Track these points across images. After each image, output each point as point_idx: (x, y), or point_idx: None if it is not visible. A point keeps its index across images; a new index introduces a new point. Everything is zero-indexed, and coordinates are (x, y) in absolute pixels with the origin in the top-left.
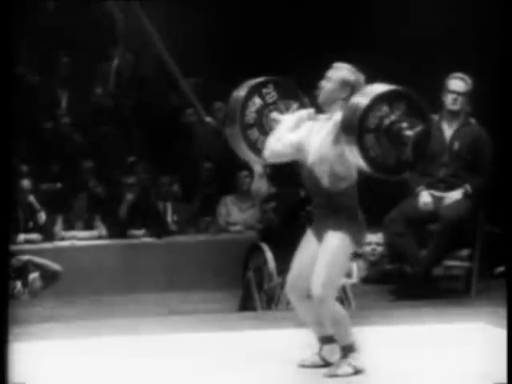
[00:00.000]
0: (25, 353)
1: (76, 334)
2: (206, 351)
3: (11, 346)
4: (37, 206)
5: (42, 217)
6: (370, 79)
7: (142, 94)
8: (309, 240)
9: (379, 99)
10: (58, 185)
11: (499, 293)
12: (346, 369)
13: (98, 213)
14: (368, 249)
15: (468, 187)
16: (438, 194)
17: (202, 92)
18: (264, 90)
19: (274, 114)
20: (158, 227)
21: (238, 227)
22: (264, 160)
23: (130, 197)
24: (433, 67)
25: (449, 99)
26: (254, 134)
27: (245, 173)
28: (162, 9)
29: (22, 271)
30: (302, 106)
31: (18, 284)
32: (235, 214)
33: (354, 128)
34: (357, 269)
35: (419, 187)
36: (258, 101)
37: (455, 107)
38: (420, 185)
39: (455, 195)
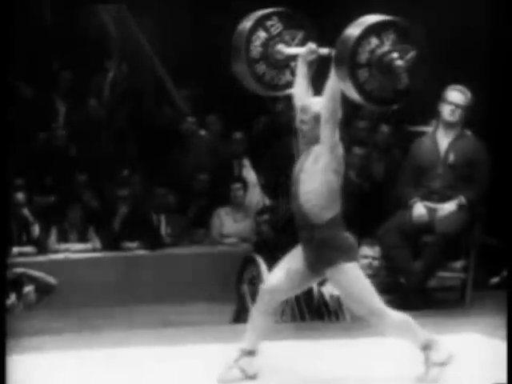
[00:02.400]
0: (19, 365)
1: (70, 347)
2: (199, 363)
3: (6, 358)
4: (31, 218)
5: (36, 230)
6: None
7: (136, 106)
8: (297, 256)
9: (367, 31)
10: (52, 197)
11: (494, 303)
12: (433, 371)
13: (92, 225)
14: (365, 262)
15: (462, 199)
16: (432, 205)
17: (195, 104)
18: (268, 23)
19: (280, 46)
20: (152, 239)
21: (232, 239)
22: (272, 93)
23: (123, 209)
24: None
25: (446, 110)
26: (261, 67)
27: (238, 185)
28: (155, 20)
29: (17, 284)
30: (308, 34)
31: (13, 297)
32: (229, 225)
33: (346, 63)
34: None
35: (413, 199)
36: (262, 34)
37: (452, 119)
38: (414, 196)
39: (450, 207)
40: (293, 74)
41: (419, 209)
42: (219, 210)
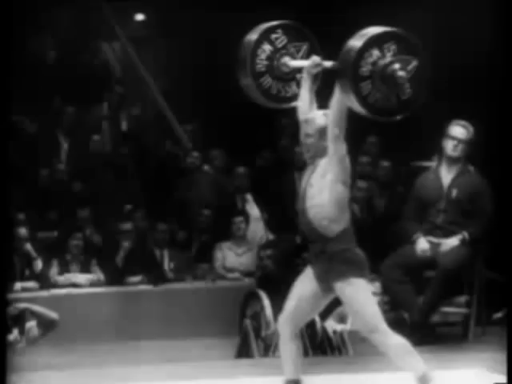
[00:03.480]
0: None
1: (73, 383)
2: None
3: None
4: (33, 253)
5: (39, 265)
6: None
7: (139, 141)
8: (308, 277)
9: (369, 43)
10: (55, 233)
11: (497, 339)
12: None
13: (95, 259)
14: None
15: (465, 234)
16: (435, 240)
17: (198, 139)
18: (273, 36)
19: (285, 59)
20: (155, 274)
21: (235, 274)
22: (279, 105)
23: (126, 244)
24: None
25: (449, 145)
26: (267, 80)
27: (240, 218)
28: (158, 56)
29: (19, 319)
30: (312, 47)
31: (15, 332)
32: (231, 258)
33: (349, 76)
34: None
35: (417, 234)
36: (267, 47)
37: (455, 154)
38: (417, 231)
39: (453, 242)
40: (299, 86)
41: (422, 244)
42: (221, 244)
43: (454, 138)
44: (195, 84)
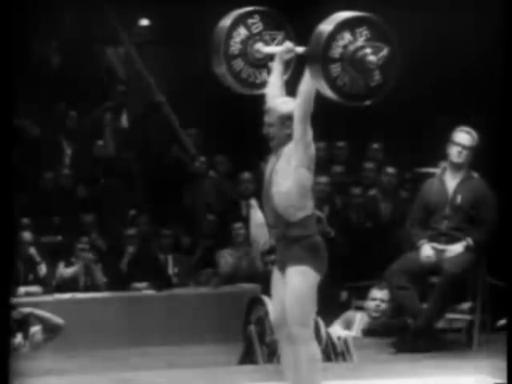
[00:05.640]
0: None
1: None
2: None
3: None
4: (37, 258)
5: (43, 269)
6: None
7: (144, 147)
8: (276, 276)
9: (341, 26)
10: (59, 237)
11: (501, 346)
12: None
13: (100, 263)
14: (372, 304)
15: (470, 240)
16: (439, 246)
17: (203, 144)
18: (249, 21)
19: (259, 45)
20: (160, 280)
21: (236, 280)
22: (248, 91)
23: (131, 249)
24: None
25: (454, 151)
26: (239, 64)
27: (239, 224)
28: (163, 61)
29: (23, 324)
30: (287, 36)
31: (19, 337)
32: (232, 265)
33: (319, 57)
34: (359, 321)
35: (421, 240)
36: (243, 31)
37: (459, 160)
38: (422, 237)
39: (457, 248)
40: (270, 73)
41: (427, 250)
42: (222, 251)
43: (458, 145)
44: (198, 89)
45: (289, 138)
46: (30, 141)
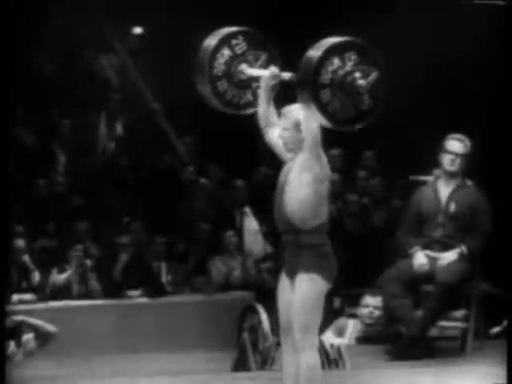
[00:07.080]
0: None
1: None
2: None
3: None
4: (31, 265)
5: (36, 277)
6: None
7: (136, 154)
8: (283, 283)
9: (330, 52)
10: (52, 243)
11: (495, 353)
12: None
13: (93, 271)
14: (365, 311)
15: (464, 248)
16: (433, 254)
17: (197, 152)
18: (233, 41)
19: (243, 66)
20: (153, 287)
21: (232, 288)
22: (233, 111)
23: (124, 257)
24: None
25: (446, 160)
26: (223, 85)
27: (231, 232)
28: (156, 69)
29: (16, 332)
30: (271, 57)
31: (12, 345)
32: (225, 273)
33: (309, 83)
34: (351, 328)
35: (414, 248)
36: (226, 52)
37: (452, 168)
38: (415, 245)
39: (451, 256)
40: (254, 94)
41: (420, 258)
42: (215, 260)
43: (451, 153)
44: (192, 97)
45: (302, 142)
46: (23, 148)
